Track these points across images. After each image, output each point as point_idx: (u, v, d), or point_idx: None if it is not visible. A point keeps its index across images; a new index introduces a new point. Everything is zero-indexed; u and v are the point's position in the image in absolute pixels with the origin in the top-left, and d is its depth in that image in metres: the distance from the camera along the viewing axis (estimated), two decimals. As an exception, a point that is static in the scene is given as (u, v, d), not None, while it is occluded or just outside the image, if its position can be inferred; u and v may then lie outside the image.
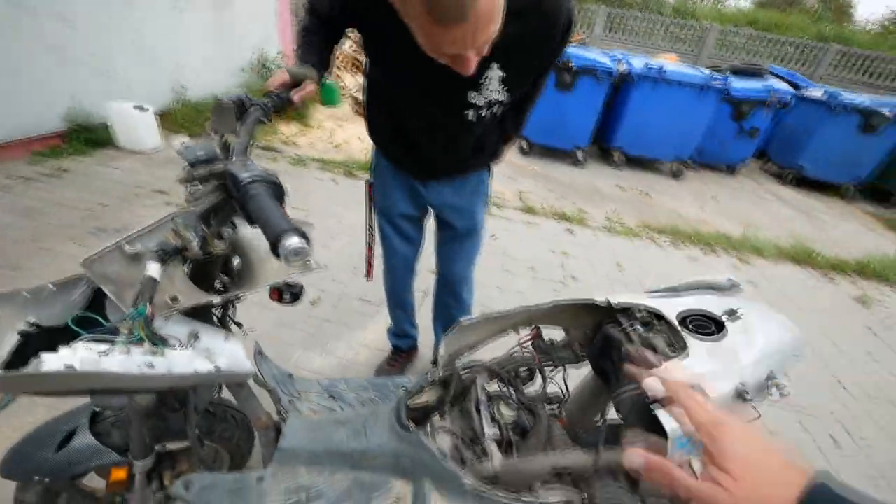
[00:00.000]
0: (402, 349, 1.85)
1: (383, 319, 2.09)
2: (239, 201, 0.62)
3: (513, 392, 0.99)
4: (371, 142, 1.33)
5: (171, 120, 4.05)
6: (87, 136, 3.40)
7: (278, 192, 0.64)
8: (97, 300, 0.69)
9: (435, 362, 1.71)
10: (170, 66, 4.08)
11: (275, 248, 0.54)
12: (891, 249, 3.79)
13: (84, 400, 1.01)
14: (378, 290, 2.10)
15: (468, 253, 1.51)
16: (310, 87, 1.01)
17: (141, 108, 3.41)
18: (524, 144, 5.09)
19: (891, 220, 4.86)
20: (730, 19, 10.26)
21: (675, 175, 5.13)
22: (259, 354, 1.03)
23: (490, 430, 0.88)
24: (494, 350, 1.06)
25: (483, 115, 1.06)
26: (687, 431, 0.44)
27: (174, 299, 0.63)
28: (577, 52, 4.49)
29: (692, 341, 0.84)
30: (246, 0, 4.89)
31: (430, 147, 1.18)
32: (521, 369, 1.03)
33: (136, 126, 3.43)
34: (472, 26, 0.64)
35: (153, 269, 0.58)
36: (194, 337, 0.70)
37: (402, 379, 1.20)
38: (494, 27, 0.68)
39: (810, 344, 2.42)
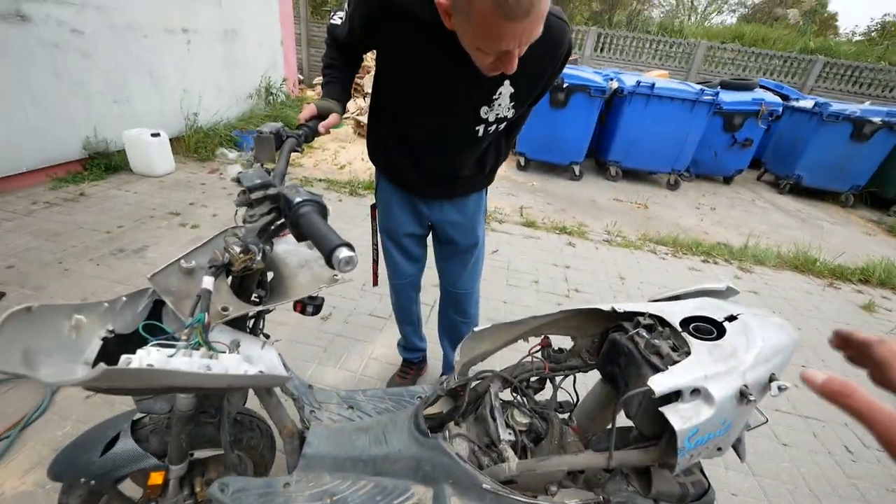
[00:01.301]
0: (413, 362, 1.89)
1: (392, 333, 2.13)
2: (291, 220, 0.69)
3: (525, 400, 1.02)
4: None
5: (183, 145, 4.21)
6: (105, 163, 3.55)
7: (324, 212, 0.71)
8: (156, 310, 0.76)
9: (445, 374, 1.75)
10: (181, 94, 4.25)
11: (329, 259, 0.61)
12: (894, 255, 3.82)
13: (116, 412, 1.06)
14: (386, 305, 2.18)
15: (474, 267, 1.55)
16: (334, 118, 1.11)
17: (155, 135, 3.56)
18: (521, 160, 5.21)
19: (891, 226, 4.91)
20: (717, 35, 10.55)
21: (672, 186, 5.23)
22: (283, 365, 1.09)
23: (506, 435, 0.90)
24: (505, 361, 1.10)
25: (490, 130, 1.13)
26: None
27: (225, 309, 0.70)
28: (570, 71, 4.65)
29: (694, 343, 0.87)
30: (253, 31, 5.12)
31: (435, 162, 1.24)
32: (532, 378, 1.04)
33: (150, 152, 3.57)
34: (531, 23, 0.72)
35: (208, 282, 0.65)
36: (237, 345, 0.76)
37: (417, 388, 1.23)
38: (541, 27, 0.76)
39: (818, 352, 2.45)
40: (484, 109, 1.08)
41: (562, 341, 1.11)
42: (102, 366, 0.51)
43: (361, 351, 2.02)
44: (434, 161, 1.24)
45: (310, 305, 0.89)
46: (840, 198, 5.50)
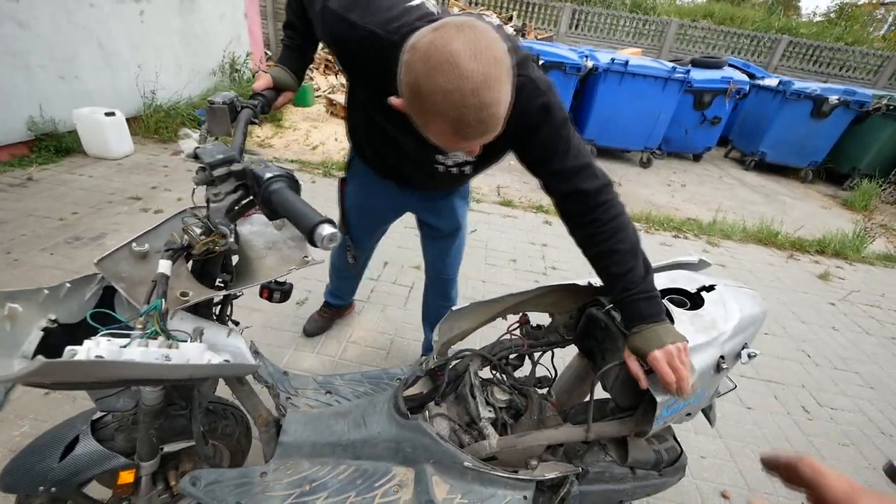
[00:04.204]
0: (334, 306, 1.97)
1: (371, 315, 2.14)
2: (263, 197, 0.65)
3: (504, 377, 1.03)
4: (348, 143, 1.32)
5: (142, 125, 3.94)
6: (55, 144, 3.27)
7: (296, 187, 0.68)
8: (106, 298, 0.71)
9: (425, 355, 1.75)
10: (136, 70, 3.95)
11: (311, 237, 0.59)
12: (847, 227, 4.04)
13: (79, 409, 1.00)
14: (363, 287, 2.10)
15: (457, 251, 1.54)
16: (287, 96, 1.05)
17: (109, 114, 3.31)
18: (500, 140, 5.17)
19: (845, 199, 5.18)
20: (688, 13, 10.66)
21: (645, 164, 5.33)
22: (255, 352, 1.04)
23: (486, 413, 0.92)
24: (485, 339, 1.09)
25: (453, 171, 1.10)
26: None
27: (184, 295, 0.66)
28: (545, 48, 4.60)
29: (676, 312, 0.89)
30: (212, 2, 4.78)
31: (410, 174, 1.18)
32: (511, 355, 1.04)
33: (105, 132, 3.31)
34: (491, 134, 0.70)
35: (164, 266, 0.60)
36: (199, 333, 0.72)
37: (396, 370, 1.22)
38: (501, 124, 0.72)
39: (779, 320, 2.59)
40: (440, 157, 1.05)
41: (540, 318, 1.11)
42: (41, 358, 0.47)
43: (339, 335, 1.98)
44: (408, 173, 1.18)
45: (277, 291, 0.85)
46: (800, 173, 5.75)
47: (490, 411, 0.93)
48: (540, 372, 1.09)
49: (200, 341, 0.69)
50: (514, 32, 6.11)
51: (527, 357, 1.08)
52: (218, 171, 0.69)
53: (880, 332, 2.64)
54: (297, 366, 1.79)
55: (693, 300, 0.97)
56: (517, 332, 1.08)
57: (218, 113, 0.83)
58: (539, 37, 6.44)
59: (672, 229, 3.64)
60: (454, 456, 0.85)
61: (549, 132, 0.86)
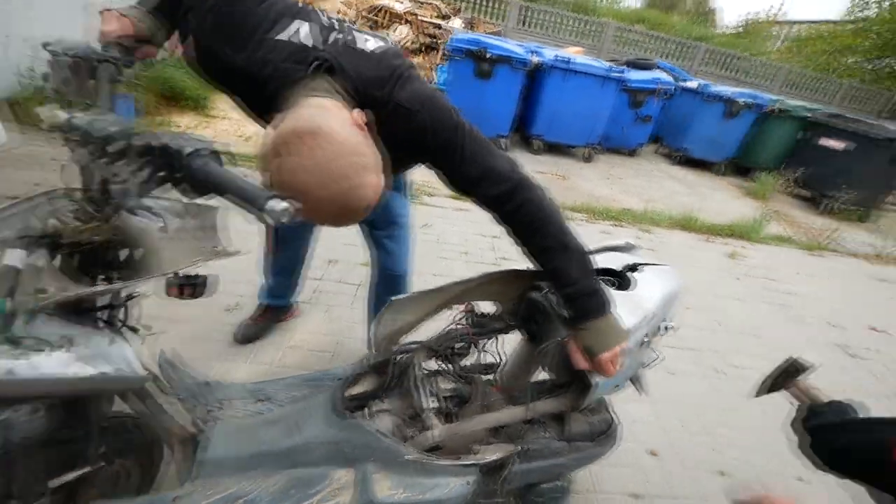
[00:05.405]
0: (272, 307, 1.79)
1: (314, 317, 2.01)
2: (190, 175, 0.57)
3: (451, 366, 1.01)
4: None
5: (21, 111, 3.05)
6: None
7: (220, 161, 0.59)
8: None
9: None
10: (4, 40, 3.17)
11: (262, 212, 0.53)
12: (750, 213, 4.66)
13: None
14: (305, 289, 1.98)
15: (400, 246, 1.46)
16: (151, 50, 0.90)
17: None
18: (452, 132, 5.25)
19: (749, 189, 5.92)
20: (625, 17, 11.41)
21: (587, 159, 5.69)
22: (167, 362, 0.93)
23: (429, 404, 0.90)
24: (435, 332, 1.06)
25: None
26: None
27: (42, 292, 0.54)
28: (494, 42, 4.73)
29: (610, 293, 0.91)
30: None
31: None
32: (458, 344, 1.03)
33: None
34: (368, 209, 0.70)
35: (13, 257, 0.51)
36: (69, 340, 0.59)
37: (338, 370, 1.13)
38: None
39: (697, 296, 2.93)
40: None
41: (487, 307, 1.11)
42: None
43: (277, 340, 1.81)
44: None
45: (188, 286, 0.70)
46: (716, 167, 6.46)
47: (434, 402, 0.91)
48: (489, 360, 1.08)
49: (69, 350, 0.57)
50: (463, 25, 6.18)
51: (474, 345, 1.06)
52: (115, 147, 0.56)
53: (774, 300, 3.11)
54: (227, 378, 1.58)
55: (621, 279, 1.04)
56: (464, 321, 1.04)
57: (67, 68, 0.66)
58: (488, 31, 6.59)
59: (611, 219, 3.96)
60: (395, 451, 0.83)
61: (436, 148, 0.83)
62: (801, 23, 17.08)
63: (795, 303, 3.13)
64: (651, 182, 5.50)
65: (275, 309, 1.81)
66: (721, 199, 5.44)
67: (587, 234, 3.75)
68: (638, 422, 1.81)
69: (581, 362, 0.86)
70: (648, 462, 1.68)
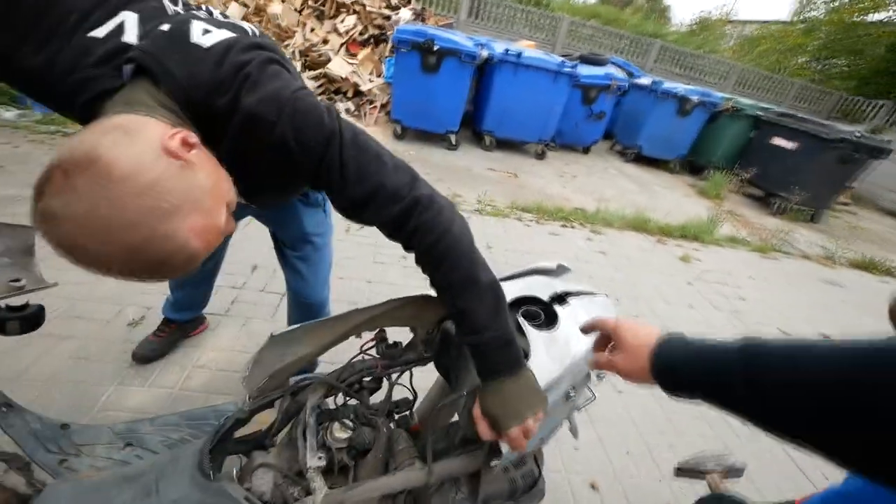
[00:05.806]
0: (175, 321, 1.62)
1: (228, 331, 1.80)
2: None
3: (356, 405, 0.88)
4: None
5: None
6: None
7: None
8: None
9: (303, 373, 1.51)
10: None
11: None
12: (704, 214, 4.61)
13: None
14: (222, 299, 1.82)
15: (314, 269, 1.29)
16: None
17: None
18: (398, 129, 4.94)
19: (702, 189, 5.94)
20: (579, 12, 11.44)
21: (539, 156, 5.53)
22: (5, 404, 0.82)
23: (314, 462, 0.75)
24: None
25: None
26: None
27: None
28: (441, 34, 4.45)
29: (532, 334, 0.82)
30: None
31: None
32: (365, 378, 0.91)
33: None
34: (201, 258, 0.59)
35: None
36: None
37: (228, 406, 1.00)
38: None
39: (648, 302, 2.79)
40: None
41: (401, 333, 0.96)
42: None
43: (182, 359, 1.62)
44: None
45: (12, 321, 0.67)
46: (669, 165, 6.48)
47: (321, 458, 0.76)
48: (403, 393, 0.96)
49: None
50: (412, 16, 5.86)
51: (386, 379, 0.94)
52: None
53: (726, 307, 3.00)
54: (119, 405, 1.41)
55: (547, 311, 0.91)
56: (373, 351, 0.94)
57: None
58: (439, 23, 6.27)
59: (561, 219, 3.77)
60: None
61: (307, 165, 0.65)
62: (752, 22, 17.93)
63: (747, 309, 3.04)
64: (604, 180, 5.41)
65: (181, 323, 1.64)
66: (674, 198, 5.42)
67: (535, 236, 3.60)
68: (582, 449, 1.66)
69: (486, 432, 0.72)
70: (587, 497, 1.49)
